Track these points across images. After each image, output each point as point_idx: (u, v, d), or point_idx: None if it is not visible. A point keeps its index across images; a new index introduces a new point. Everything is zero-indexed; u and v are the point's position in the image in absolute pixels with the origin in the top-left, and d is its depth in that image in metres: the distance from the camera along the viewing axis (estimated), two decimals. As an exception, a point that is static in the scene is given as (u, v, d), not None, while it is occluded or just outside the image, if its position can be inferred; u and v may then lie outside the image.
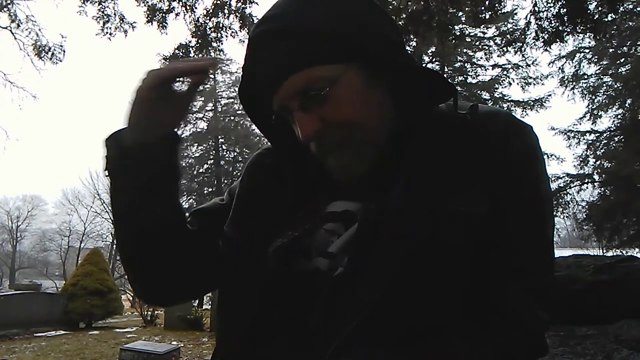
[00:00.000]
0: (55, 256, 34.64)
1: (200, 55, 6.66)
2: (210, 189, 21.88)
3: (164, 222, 0.75)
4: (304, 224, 0.71)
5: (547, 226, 0.69)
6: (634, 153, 10.60)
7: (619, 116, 12.76)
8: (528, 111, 13.89)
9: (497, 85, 14.70)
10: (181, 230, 0.78)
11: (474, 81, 15.06)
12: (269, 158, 0.81)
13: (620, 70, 12.73)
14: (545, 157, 0.73)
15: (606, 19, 5.61)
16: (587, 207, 12.26)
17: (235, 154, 22.49)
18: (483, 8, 5.95)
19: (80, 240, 31.13)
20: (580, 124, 13.27)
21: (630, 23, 10.93)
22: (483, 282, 0.65)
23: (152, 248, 0.76)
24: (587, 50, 12.80)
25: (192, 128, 22.16)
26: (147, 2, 6.36)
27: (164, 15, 6.42)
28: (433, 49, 13.54)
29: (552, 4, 5.73)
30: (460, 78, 14.91)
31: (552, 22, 5.76)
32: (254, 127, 22.26)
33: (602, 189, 11.99)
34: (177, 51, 6.52)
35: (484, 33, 14.05)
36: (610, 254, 10.77)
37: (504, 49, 10.63)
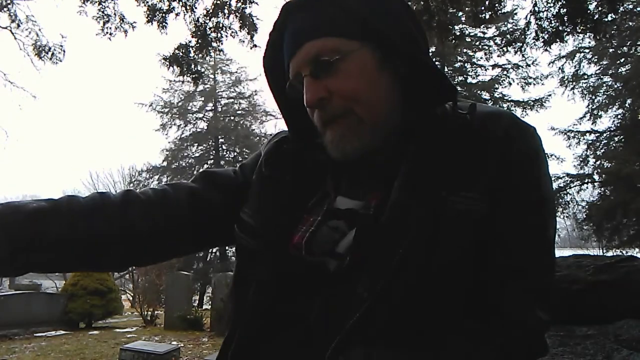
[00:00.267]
0: (55, 256, 34.58)
1: (200, 55, 6.67)
2: (210, 189, 21.85)
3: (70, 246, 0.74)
4: (318, 212, 0.72)
5: (548, 227, 0.69)
6: (634, 153, 10.61)
7: (619, 116, 12.76)
8: (528, 111, 13.88)
9: (497, 85, 14.69)
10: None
11: (474, 81, 15.06)
12: (285, 144, 0.82)
13: (620, 70, 12.74)
14: (546, 157, 0.73)
15: (606, 19, 5.61)
16: (587, 207, 12.27)
17: (235, 154, 22.47)
18: (483, 8, 5.95)
19: (80, 240, 31.07)
20: (580, 124, 13.29)
21: (630, 23, 10.94)
22: (483, 282, 0.65)
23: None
24: (587, 50, 12.80)
25: (192, 128, 22.15)
26: (147, 2, 6.36)
27: (164, 15, 6.42)
28: (433, 49, 13.53)
29: (552, 4, 5.73)
30: (460, 78, 14.90)
31: (552, 22, 5.76)
32: (254, 127, 22.32)
33: (602, 189, 11.99)
34: (177, 51, 6.52)
35: (484, 33, 14.05)
36: (610, 254, 10.77)
37: (504, 49, 10.63)
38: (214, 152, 22.19)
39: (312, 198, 0.75)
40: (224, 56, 17.34)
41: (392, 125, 0.71)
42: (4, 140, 22.81)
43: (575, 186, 12.31)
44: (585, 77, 13.27)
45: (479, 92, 14.70)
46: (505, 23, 13.20)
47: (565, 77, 13.25)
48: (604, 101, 13.19)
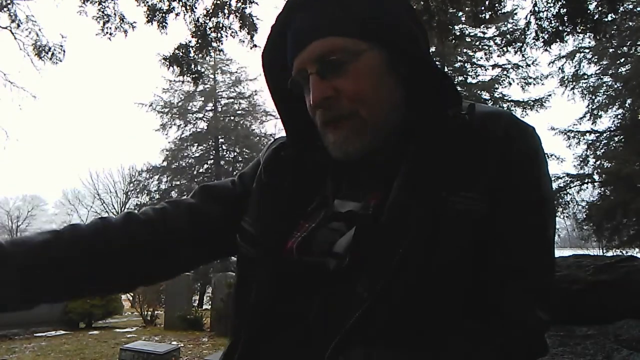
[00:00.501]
0: (55, 256, 34.55)
1: (200, 55, 6.67)
2: (210, 189, 21.85)
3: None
4: (315, 217, 0.72)
5: (548, 227, 0.69)
6: (634, 153, 10.61)
7: (619, 116, 12.77)
8: (528, 111, 13.88)
9: (497, 85, 14.69)
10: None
11: (474, 81, 15.06)
12: (283, 150, 0.82)
13: (620, 70, 12.74)
14: (546, 157, 0.73)
15: (606, 19, 5.61)
16: (587, 207, 12.27)
17: (235, 154, 22.47)
18: (483, 8, 5.95)
19: (80, 240, 31.06)
20: (580, 124, 13.30)
21: (630, 23, 10.94)
22: (483, 282, 0.65)
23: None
24: (587, 50, 12.81)
25: (192, 128, 22.15)
26: (147, 2, 6.36)
27: (164, 15, 6.42)
28: (433, 49, 13.53)
29: (552, 4, 5.73)
30: (460, 78, 14.90)
31: (552, 22, 5.76)
32: (254, 127, 22.35)
33: (602, 189, 11.99)
34: (177, 51, 6.52)
35: (484, 33, 14.04)
36: (610, 254, 10.77)
37: (504, 49, 10.63)
38: (214, 152, 22.19)
39: (312, 203, 0.75)
40: (224, 56, 17.34)
41: (392, 126, 0.71)
42: (4, 140, 22.75)
43: (575, 186, 12.31)
44: (585, 77, 13.27)
45: (479, 92, 14.70)
46: (505, 23, 13.20)
47: (565, 77, 13.27)
48: (604, 101, 13.20)
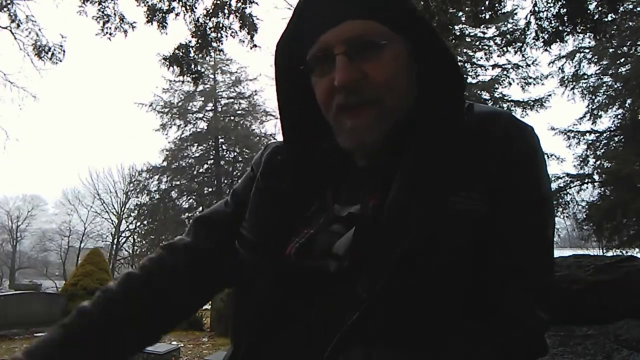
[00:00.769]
0: (55, 256, 34.63)
1: (200, 55, 6.67)
2: (210, 189, 21.89)
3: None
4: (316, 222, 0.72)
5: (548, 227, 0.69)
6: (634, 153, 10.62)
7: (619, 116, 12.77)
8: (528, 111, 13.89)
9: (497, 85, 14.69)
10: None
11: (474, 81, 15.05)
12: (281, 155, 0.81)
13: (620, 70, 12.74)
14: (545, 157, 0.73)
15: (606, 19, 5.61)
16: (587, 207, 12.27)
17: (235, 154, 22.48)
18: (483, 8, 5.95)
19: (80, 240, 31.11)
20: (580, 124, 13.30)
21: (630, 23, 10.94)
22: (483, 282, 0.65)
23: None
24: (587, 50, 12.81)
25: (192, 128, 22.17)
26: (147, 2, 6.36)
27: (164, 15, 6.42)
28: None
29: (552, 4, 5.73)
30: (460, 78, 14.85)
31: (552, 22, 5.76)
32: (254, 127, 22.37)
33: (602, 189, 11.99)
34: (177, 51, 6.52)
35: (484, 33, 14.04)
36: (610, 254, 10.76)
37: (504, 49, 10.64)
38: (214, 152, 22.20)
39: (310, 207, 0.74)
40: (224, 56, 17.36)
41: (402, 120, 0.70)
42: (4, 140, 22.75)
43: (575, 186, 12.31)
44: (585, 77, 13.27)
45: (479, 92, 14.69)
46: (505, 23, 13.20)
47: (565, 77, 13.27)
48: (604, 101, 13.20)
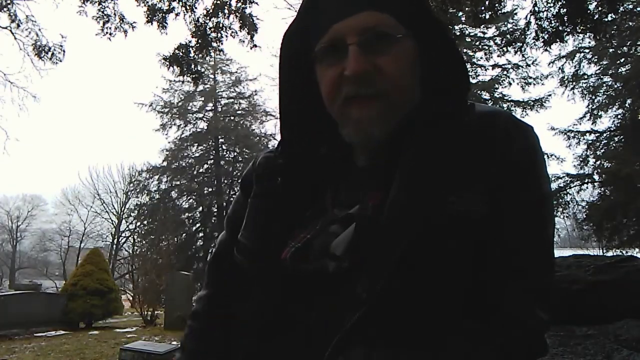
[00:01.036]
0: (55, 256, 34.60)
1: (200, 55, 6.67)
2: (210, 189, 21.89)
3: None
4: (313, 225, 0.71)
5: (548, 226, 0.69)
6: (634, 153, 10.61)
7: (619, 116, 12.75)
8: (528, 111, 13.87)
9: (497, 85, 14.68)
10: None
11: (474, 81, 15.03)
12: (278, 159, 0.81)
13: (620, 70, 12.72)
14: (545, 157, 0.73)
15: (606, 19, 5.61)
16: (587, 207, 12.25)
17: (235, 154, 22.48)
18: (483, 8, 5.95)
19: (80, 240, 31.10)
20: (580, 124, 13.28)
21: (630, 23, 10.92)
22: (483, 282, 0.65)
23: None
24: (587, 50, 12.79)
25: (192, 128, 22.16)
26: (147, 2, 6.36)
27: (164, 15, 6.42)
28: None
29: (552, 4, 5.73)
30: (460, 78, 14.84)
31: (552, 22, 5.76)
32: (254, 127, 22.35)
33: (602, 189, 11.98)
34: (177, 51, 6.52)
35: (484, 33, 14.03)
36: (610, 254, 10.76)
37: (504, 49, 10.62)
38: (214, 152, 22.20)
39: (308, 210, 0.74)
40: (224, 56, 17.35)
41: (404, 118, 0.70)
42: (4, 140, 22.73)
43: (575, 186, 12.29)
44: (585, 77, 13.25)
45: (479, 92, 14.68)
46: (505, 23, 13.18)
47: (565, 77, 13.24)
48: (604, 101, 13.18)
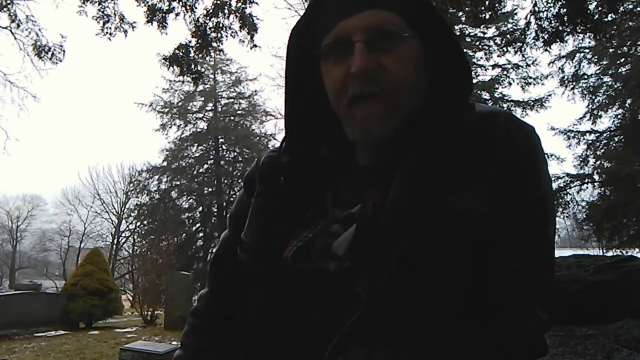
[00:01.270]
0: (55, 256, 34.60)
1: (200, 55, 6.67)
2: (210, 189, 21.88)
3: None
4: (314, 225, 0.71)
5: (548, 227, 0.69)
6: (634, 153, 10.60)
7: (619, 116, 12.75)
8: (528, 111, 13.86)
9: (497, 85, 14.67)
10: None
11: (474, 81, 14.99)
12: (281, 158, 0.81)
13: (620, 70, 12.72)
14: (546, 157, 0.73)
15: (606, 19, 5.60)
16: (587, 207, 12.25)
17: (235, 154, 22.47)
18: (483, 8, 5.94)
19: (80, 240, 31.09)
20: (580, 124, 13.27)
21: (630, 23, 10.92)
22: (483, 282, 0.65)
23: None
24: (587, 50, 12.78)
25: (192, 128, 22.15)
26: (147, 2, 6.36)
27: (164, 15, 6.42)
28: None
29: (552, 4, 5.73)
30: (460, 78, 14.82)
31: (552, 22, 5.76)
32: (254, 127, 22.32)
33: (602, 189, 11.97)
34: (177, 51, 6.52)
35: (484, 33, 14.02)
36: (610, 254, 10.75)
37: (504, 49, 10.63)
38: (214, 152, 22.19)
39: (309, 209, 0.74)
40: (224, 56, 17.34)
41: (407, 118, 0.70)
42: (4, 140, 22.70)
43: (575, 186, 12.29)
44: (585, 77, 13.24)
45: (479, 92, 14.67)
46: (505, 23, 13.18)
47: (565, 77, 13.23)
48: (604, 101, 13.17)
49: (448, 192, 0.64)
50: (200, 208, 21.83)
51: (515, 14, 12.86)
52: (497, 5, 6.05)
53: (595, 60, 13.03)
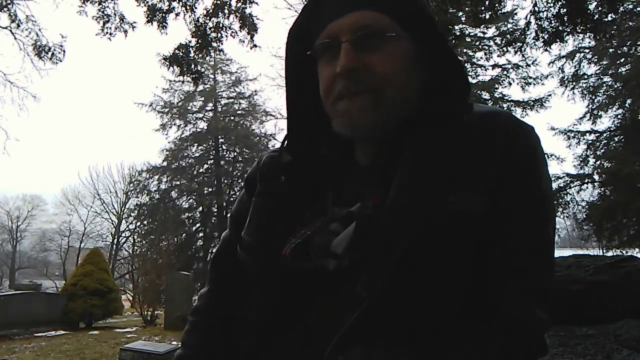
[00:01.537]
0: (55, 256, 34.59)
1: (200, 55, 6.67)
2: (210, 189, 21.88)
3: None
4: (313, 223, 0.72)
5: (548, 227, 0.69)
6: (634, 153, 10.60)
7: (619, 116, 12.74)
8: (528, 111, 13.85)
9: (497, 85, 14.66)
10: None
11: (474, 81, 15.01)
12: (282, 157, 0.81)
13: (620, 70, 12.71)
14: (545, 157, 0.73)
15: (606, 19, 5.60)
16: (587, 207, 12.24)
17: (235, 154, 22.47)
18: (483, 8, 5.94)
19: (80, 240, 31.09)
20: (580, 124, 13.26)
21: (630, 23, 10.92)
22: (483, 282, 0.65)
23: None
24: (587, 50, 12.77)
25: (192, 128, 22.15)
26: (147, 2, 6.36)
27: (164, 15, 6.42)
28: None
29: (552, 4, 5.73)
30: (460, 78, 14.81)
31: (552, 22, 5.76)
32: (254, 127, 22.33)
33: (602, 189, 11.97)
34: (177, 51, 6.52)
35: (484, 33, 14.02)
36: (610, 254, 10.75)
37: (504, 49, 10.62)
38: (214, 152, 22.19)
39: (310, 208, 0.74)
40: (224, 56, 17.34)
41: (403, 117, 0.70)
42: (4, 140, 22.69)
43: (575, 186, 12.28)
44: (585, 77, 13.23)
45: (479, 92, 14.67)
46: (505, 23, 13.17)
47: (565, 77, 13.23)
48: (604, 101, 13.17)
49: (448, 192, 0.64)
50: (200, 208, 21.83)
51: (515, 14, 12.86)
52: (497, 5, 6.05)
53: (595, 60, 13.03)
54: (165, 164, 21.49)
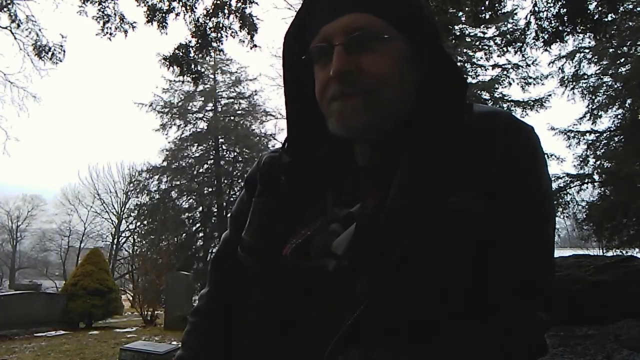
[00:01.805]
0: (55, 256, 34.58)
1: (200, 55, 6.67)
2: (210, 189, 21.88)
3: None
4: (313, 223, 0.72)
5: (548, 226, 0.69)
6: (634, 153, 10.60)
7: (619, 116, 12.74)
8: (528, 111, 13.86)
9: (497, 85, 14.66)
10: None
11: (474, 81, 15.02)
12: (282, 158, 0.81)
13: (620, 70, 12.71)
14: (545, 156, 0.73)
15: (606, 19, 5.60)
16: (587, 207, 12.24)
17: (235, 154, 22.47)
18: (483, 8, 5.95)
19: (80, 240, 31.08)
20: (580, 124, 13.26)
21: (630, 23, 10.91)
22: (483, 282, 0.65)
23: None
24: (587, 50, 12.77)
25: (192, 128, 22.15)
26: (147, 2, 6.36)
27: (164, 15, 6.42)
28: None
29: (552, 4, 5.73)
30: (460, 78, 14.81)
31: (552, 22, 5.76)
32: (254, 127, 22.33)
33: (602, 189, 11.97)
34: (177, 51, 6.52)
35: (484, 33, 14.02)
36: (610, 254, 10.75)
37: (504, 49, 10.62)
38: (214, 152, 22.19)
39: (309, 208, 0.74)
40: (224, 56, 17.33)
41: (399, 117, 0.70)
42: (4, 140, 22.71)
43: (575, 186, 12.28)
44: (585, 77, 13.23)
45: (479, 92, 14.67)
46: (505, 23, 13.16)
47: (565, 77, 13.23)
48: (604, 101, 13.16)
49: (448, 192, 0.64)
50: (200, 208, 21.83)
51: (515, 14, 12.86)
52: (497, 5, 6.05)
53: (595, 60, 13.03)
54: (165, 164, 21.50)
